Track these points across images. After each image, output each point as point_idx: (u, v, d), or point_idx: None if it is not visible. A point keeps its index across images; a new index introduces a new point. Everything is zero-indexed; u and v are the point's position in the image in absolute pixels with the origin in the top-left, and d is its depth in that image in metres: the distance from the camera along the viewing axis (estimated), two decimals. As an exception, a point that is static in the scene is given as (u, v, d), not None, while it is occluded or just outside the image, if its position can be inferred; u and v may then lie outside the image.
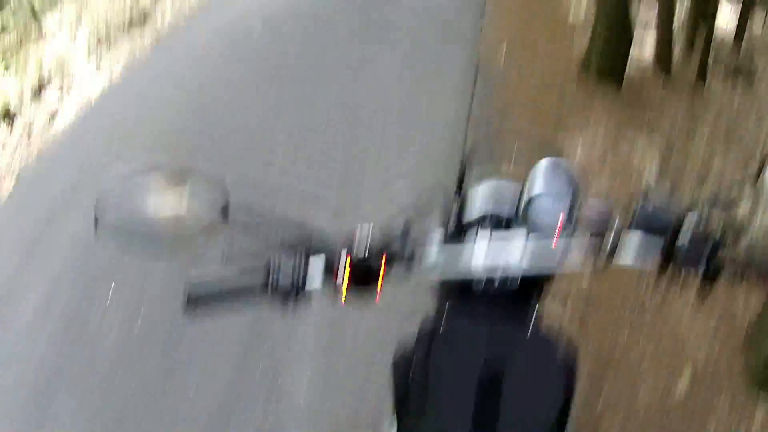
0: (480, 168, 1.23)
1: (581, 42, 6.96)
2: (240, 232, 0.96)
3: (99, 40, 8.16)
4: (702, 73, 7.92)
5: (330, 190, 4.19)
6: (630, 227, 1.07)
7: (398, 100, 5.49)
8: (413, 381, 1.02)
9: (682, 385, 3.21)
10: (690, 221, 1.03)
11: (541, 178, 1.08)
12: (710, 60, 8.35)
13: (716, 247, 1.02)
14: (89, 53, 7.88)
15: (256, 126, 5.07)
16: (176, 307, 0.99)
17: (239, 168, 4.36)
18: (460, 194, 1.17)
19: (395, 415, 1.09)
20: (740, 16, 10.53)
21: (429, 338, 1.03)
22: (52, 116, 6.82)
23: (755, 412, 3.01)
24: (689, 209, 1.05)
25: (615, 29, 6.23)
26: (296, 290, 0.98)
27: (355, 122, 5.10)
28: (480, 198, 1.17)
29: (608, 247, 1.07)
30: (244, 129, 5.03)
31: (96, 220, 0.93)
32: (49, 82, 7.36)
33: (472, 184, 1.21)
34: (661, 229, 1.05)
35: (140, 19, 8.74)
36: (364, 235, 1.03)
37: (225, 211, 0.95)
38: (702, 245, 1.02)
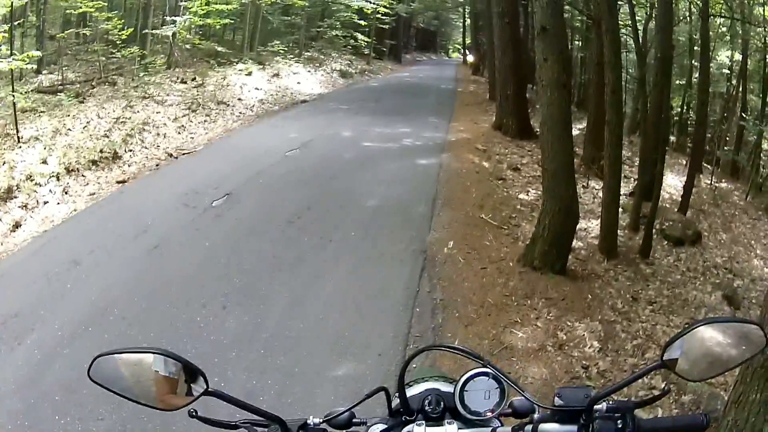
0: (425, 365, 1.45)
1: (525, 235, 7.36)
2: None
3: (68, 169, 8.36)
4: (646, 251, 8.24)
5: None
6: (546, 421, 1.25)
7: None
8: None
9: None
10: (597, 410, 1.19)
11: (470, 381, 1.28)
12: (655, 235, 8.74)
13: (623, 426, 1.17)
14: (57, 178, 8.06)
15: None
16: None
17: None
18: (400, 390, 1.31)
19: None
20: (685, 186, 11.11)
21: None
22: (15, 226, 6.93)
23: None
24: (599, 399, 1.20)
25: (562, 217, 6.50)
26: None
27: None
28: (418, 394, 1.36)
29: None
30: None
31: (90, 377, 1.12)
32: (16, 192, 7.51)
33: (412, 382, 1.42)
34: (573, 419, 1.22)
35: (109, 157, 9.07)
36: (314, 423, 1.20)
37: (202, 394, 1.13)
38: (610, 428, 1.17)
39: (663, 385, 4.99)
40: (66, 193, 7.87)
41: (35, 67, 13.25)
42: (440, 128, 13.05)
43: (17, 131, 9.62)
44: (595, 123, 11.05)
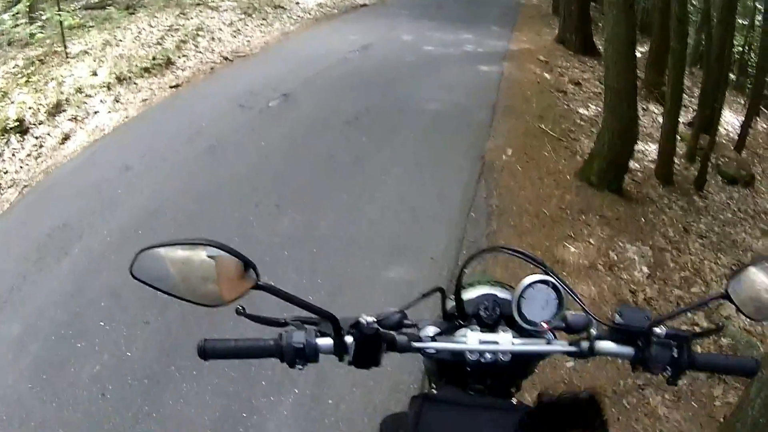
0: (477, 270, 1.41)
1: (583, 149, 7.22)
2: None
3: (119, 78, 8.26)
4: (700, 184, 8.10)
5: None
6: (603, 338, 1.21)
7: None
8: None
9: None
10: (656, 334, 1.15)
11: (529, 288, 1.21)
12: (710, 170, 8.57)
13: (680, 355, 1.15)
14: (108, 88, 7.97)
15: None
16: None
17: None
18: (457, 293, 1.27)
19: None
20: (742, 126, 10.81)
21: (419, 411, 1.10)
22: (64, 139, 6.90)
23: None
24: (657, 322, 1.16)
25: (621, 136, 6.39)
26: (305, 360, 1.13)
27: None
28: (474, 299, 1.29)
29: (584, 353, 1.22)
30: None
31: (132, 274, 1.05)
32: (65, 106, 7.42)
33: (468, 286, 1.34)
34: (630, 341, 1.19)
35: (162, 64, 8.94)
36: (367, 321, 1.14)
37: (252, 288, 1.06)
38: (666, 355, 1.15)
39: (705, 323, 5.02)
40: (117, 101, 7.73)
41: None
42: (502, 37, 12.66)
43: (65, 47, 9.44)
44: (658, 48, 10.74)
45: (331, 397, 3.26)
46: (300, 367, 1.13)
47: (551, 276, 1.21)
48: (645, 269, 5.49)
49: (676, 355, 1.15)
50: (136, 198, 5.32)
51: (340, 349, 1.14)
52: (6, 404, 3.22)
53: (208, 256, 1.05)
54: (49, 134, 7.17)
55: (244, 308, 1.08)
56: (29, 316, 3.88)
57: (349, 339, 1.14)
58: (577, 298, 1.22)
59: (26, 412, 3.16)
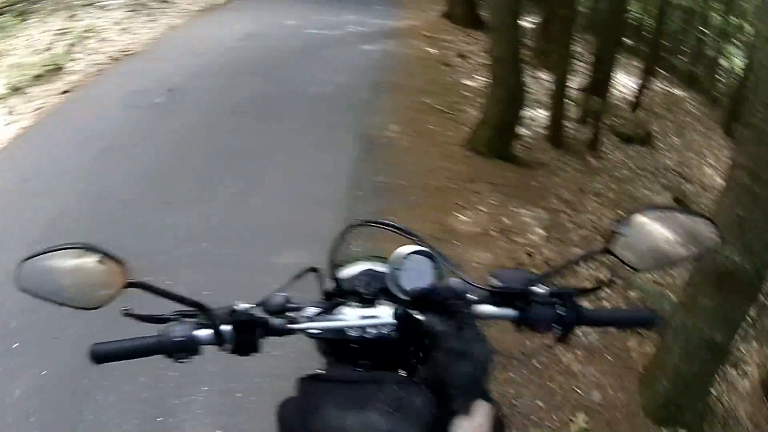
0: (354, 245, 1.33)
1: (470, 120, 7.21)
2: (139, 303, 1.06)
3: (14, 89, 7.92)
4: (594, 144, 8.21)
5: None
6: (482, 303, 1.19)
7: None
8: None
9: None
10: (537, 293, 1.16)
11: (405, 260, 1.22)
12: (604, 131, 8.71)
13: (567, 313, 1.14)
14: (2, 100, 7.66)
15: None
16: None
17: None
18: (333, 269, 1.27)
19: None
20: (638, 86, 11.07)
21: (305, 391, 1.10)
22: None
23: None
24: (536, 282, 1.16)
25: (507, 104, 6.44)
26: (187, 354, 1.10)
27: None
28: (352, 275, 1.29)
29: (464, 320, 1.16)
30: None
31: (16, 281, 1.04)
32: None
33: (348, 262, 1.33)
34: (510, 302, 1.18)
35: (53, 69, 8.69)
36: (243, 308, 1.13)
37: (128, 285, 1.05)
38: (550, 313, 1.14)
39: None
40: (11, 113, 7.43)
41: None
42: (387, 16, 12.73)
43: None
44: (548, 17, 10.95)
45: (239, 390, 3.28)
46: (184, 361, 1.11)
47: (424, 246, 1.23)
48: (541, 231, 5.50)
49: (561, 313, 1.14)
50: (33, 212, 5.07)
51: (218, 339, 1.12)
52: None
53: (81, 259, 1.06)
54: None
55: (130, 310, 1.09)
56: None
57: (226, 328, 1.12)
58: (451, 265, 1.23)
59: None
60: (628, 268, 1.12)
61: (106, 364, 1.11)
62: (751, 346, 4.91)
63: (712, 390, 3.94)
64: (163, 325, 1.12)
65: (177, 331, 1.10)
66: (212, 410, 3.20)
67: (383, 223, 1.29)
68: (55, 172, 5.71)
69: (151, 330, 1.11)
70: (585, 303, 1.17)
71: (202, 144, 6.21)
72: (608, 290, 4.95)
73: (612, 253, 1.11)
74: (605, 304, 4.78)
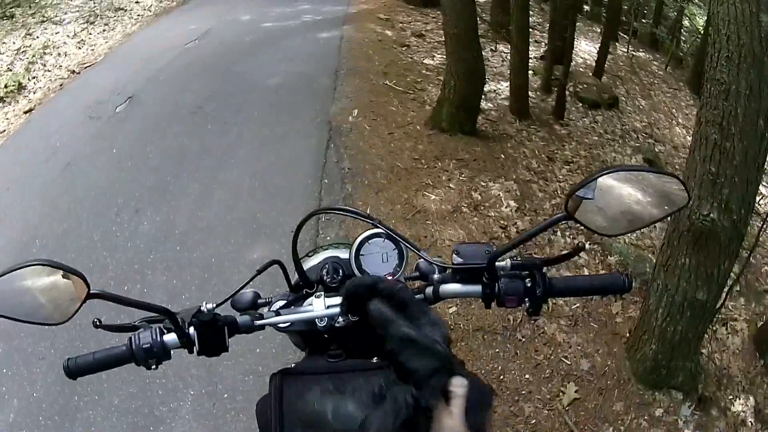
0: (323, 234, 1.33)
1: (431, 99, 7.16)
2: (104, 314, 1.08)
3: None
4: (559, 112, 8.13)
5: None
6: (447, 281, 1.17)
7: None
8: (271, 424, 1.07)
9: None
10: (502, 267, 1.11)
11: (365, 244, 1.24)
12: (568, 98, 8.62)
13: (534, 285, 1.09)
14: None
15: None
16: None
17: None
18: (296, 262, 1.26)
19: None
20: (599, 52, 10.99)
21: (279, 387, 1.07)
22: None
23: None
24: (499, 255, 1.09)
25: (467, 79, 6.30)
26: (157, 359, 1.10)
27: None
28: (317, 265, 1.31)
29: (429, 300, 1.18)
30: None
31: None
32: None
33: (312, 253, 1.37)
34: (475, 278, 1.13)
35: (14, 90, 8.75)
36: (207, 309, 1.12)
37: (90, 296, 1.02)
38: (517, 286, 1.09)
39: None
40: None
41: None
42: (341, 2, 12.58)
43: None
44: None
45: (225, 390, 3.30)
46: (155, 367, 1.11)
47: (381, 228, 1.20)
48: (512, 203, 5.43)
49: (529, 285, 1.10)
50: (6, 233, 5.02)
51: (185, 342, 1.12)
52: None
53: (42, 276, 1.02)
54: None
55: (100, 321, 1.11)
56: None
57: (192, 330, 1.12)
58: (412, 245, 1.21)
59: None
60: (595, 232, 1.02)
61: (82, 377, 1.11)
62: (738, 303, 4.87)
63: (703, 350, 3.90)
64: (132, 333, 1.12)
65: (144, 338, 1.09)
66: (201, 414, 3.20)
67: (337, 209, 1.26)
68: (22, 193, 5.67)
69: (124, 339, 1.11)
70: (564, 271, 1.06)
71: (163, 148, 6.11)
72: (585, 256, 4.91)
73: (575, 219, 1.00)
74: (585, 271, 4.74)
